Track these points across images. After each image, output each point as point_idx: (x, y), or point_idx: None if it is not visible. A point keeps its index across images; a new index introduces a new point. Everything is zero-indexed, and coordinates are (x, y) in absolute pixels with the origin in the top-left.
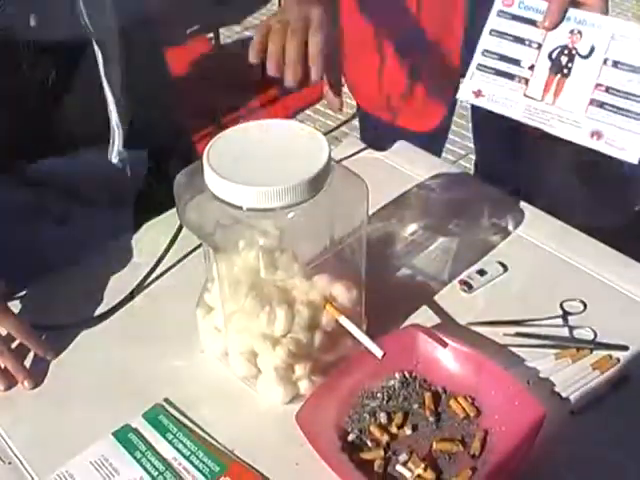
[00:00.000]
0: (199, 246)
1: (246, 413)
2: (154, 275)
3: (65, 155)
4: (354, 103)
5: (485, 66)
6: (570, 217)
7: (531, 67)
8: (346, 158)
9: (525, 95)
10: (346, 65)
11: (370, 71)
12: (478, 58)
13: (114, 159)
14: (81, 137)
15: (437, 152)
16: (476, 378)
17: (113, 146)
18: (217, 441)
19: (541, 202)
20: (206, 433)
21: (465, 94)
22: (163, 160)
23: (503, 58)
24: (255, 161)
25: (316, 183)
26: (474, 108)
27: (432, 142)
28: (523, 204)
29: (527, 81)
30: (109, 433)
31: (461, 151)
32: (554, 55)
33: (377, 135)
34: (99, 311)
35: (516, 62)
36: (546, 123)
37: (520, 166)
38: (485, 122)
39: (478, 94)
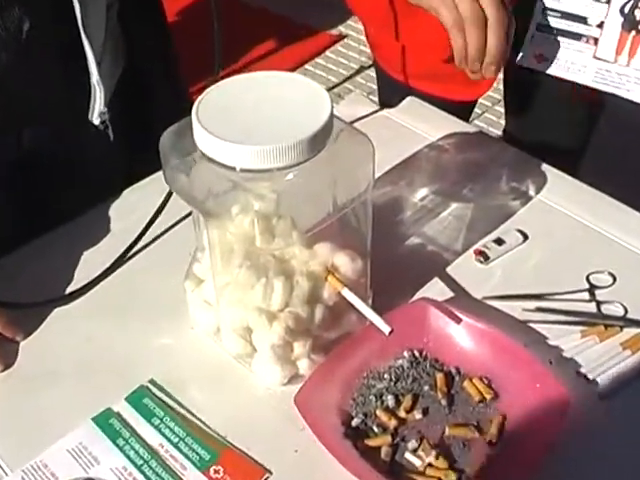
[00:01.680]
0: (188, 214)
1: (240, 395)
2: (138, 246)
3: (43, 119)
4: (358, 57)
5: (546, 26)
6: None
7: (600, 24)
8: (351, 117)
9: (595, 57)
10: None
11: (422, 31)
12: (537, 17)
13: (95, 120)
14: (61, 98)
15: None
16: (493, 357)
17: (94, 104)
18: (208, 426)
19: (588, 179)
20: (196, 417)
21: (525, 59)
22: (155, 118)
23: (567, 16)
24: (250, 117)
25: (317, 142)
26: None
27: (463, 110)
28: (546, 166)
29: (596, 41)
30: (88, 418)
31: (476, 109)
32: (626, 9)
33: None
34: (76, 286)
35: (582, 19)
36: (621, 87)
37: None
38: (530, 86)
39: (540, 58)
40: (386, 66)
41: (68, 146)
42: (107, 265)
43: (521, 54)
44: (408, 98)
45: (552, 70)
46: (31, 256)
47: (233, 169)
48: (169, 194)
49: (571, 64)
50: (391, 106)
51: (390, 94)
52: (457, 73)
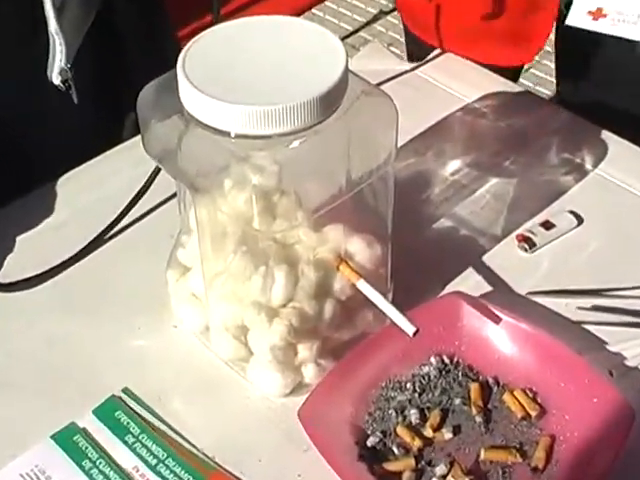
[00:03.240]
0: (173, 196)
1: (232, 408)
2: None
3: None
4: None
5: None
6: None
7: None
8: (368, 73)
9: None
10: None
11: None
12: None
13: (54, 79)
14: (10, 50)
15: None
16: (539, 365)
17: (53, 60)
18: (194, 445)
19: None
20: (179, 435)
21: (578, 18)
22: (133, 84)
23: None
24: (248, 72)
25: (328, 102)
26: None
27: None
28: (606, 134)
29: None
30: (47, 436)
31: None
32: None
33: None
34: (33, 272)
35: None
36: None
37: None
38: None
39: (597, 14)
40: (418, 31)
41: (25, 110)
42: (75, 250)
43: (572, 11)
44: (438, 51)
45: (612, 29)
46: None
47: (227, 134)
48: (157, 169)
49: (638, 18)
50: (418, 59)
51: (419, 52)
52: (501, 33)
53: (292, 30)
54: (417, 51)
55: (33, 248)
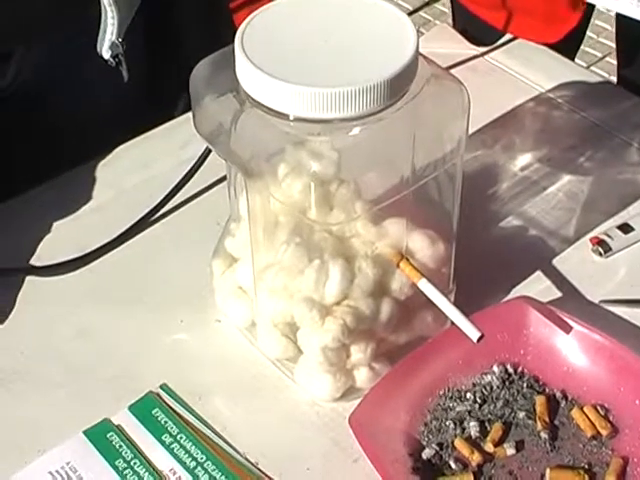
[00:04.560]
0: (223, 179)
1: (278, 411)
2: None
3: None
4: None
5: None
6: None
7: None
8: (434, 56)
9: None
10: None
11: None
12: None
13: (105, 53)
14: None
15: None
16: (612, 379)
17: (104, 34)
18: (235, 449)
19: None
20: (219, 437)
21: None
22: (185, 64)
23: None
24: (310, 50)
25: (395, 87)
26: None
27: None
28: None
29: None
30: (79, 431)
31: (596, 52)
32: None
33: None
34: (65, 257)
35: None
36: None
37: None
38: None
39: None
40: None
41: (68, 83)
42: (114, 235)
43: None
44: (509, 35)
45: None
46: (10, 215)
47: (285, 116)
48: (207, 150)
49: None
50: (486, 44)
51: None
52: (533, 4)
53: (358, 6)
54: (461, 20)
55: (70, 231)
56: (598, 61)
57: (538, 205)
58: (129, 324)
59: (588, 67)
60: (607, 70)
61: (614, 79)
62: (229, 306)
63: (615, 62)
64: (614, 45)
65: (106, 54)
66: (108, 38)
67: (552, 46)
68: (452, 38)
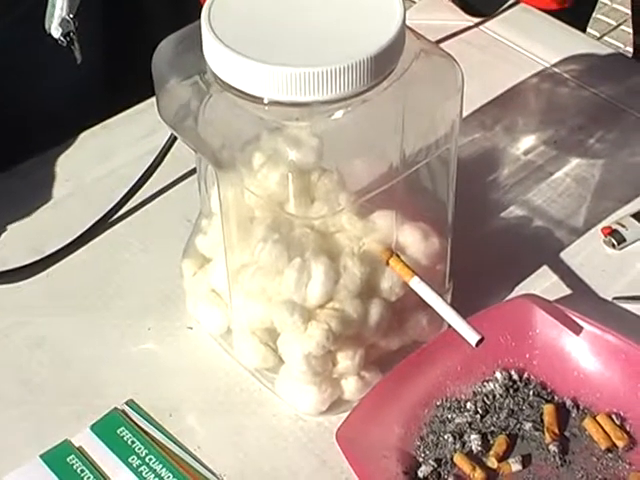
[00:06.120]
0: (192, 172)
1: (257, 427)
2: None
3: None
4: None
5: None
6: None
7: None
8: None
9: None
10: None
11: None
12: None
13: (54, 31)
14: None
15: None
16: (628, 386)
17: (53, 9)
18: (210, 470)
19: None
20: (192, 457)
21: None
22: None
23: None
24: (285, 27)
25: (380, 65)
26: None
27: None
28: None
29: None
30: (36, 455)
31: (609, 20)
32: None
33: None
34: (22, 261)
35: None
36: None
37: None
38: None
39: None
40: None
41: (14, 66)
42: (74, 236)
43: None
44: (510, 2)
45: None
46: None
47: (259, 100)
48: (173, 138)
49: None
50: (485, 15)
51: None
52: None
53: None
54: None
55: (23, 232)
56: (612, 30)
57: (544, 193)
58: (91, 334)
59: (601, 37)
60: (623, 40)
61: (630, 49)
62: (201, 311)
63: (631, 30)
64: (629, 12)
65: (56, 32)
66: (58, 14)
67: (560, 14)
68: (446, 8)
